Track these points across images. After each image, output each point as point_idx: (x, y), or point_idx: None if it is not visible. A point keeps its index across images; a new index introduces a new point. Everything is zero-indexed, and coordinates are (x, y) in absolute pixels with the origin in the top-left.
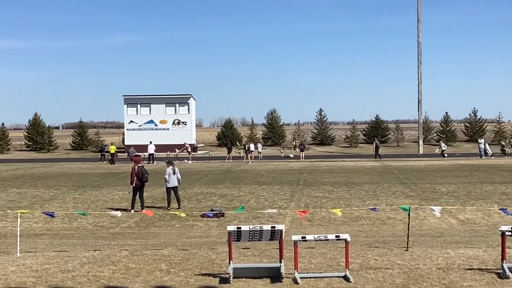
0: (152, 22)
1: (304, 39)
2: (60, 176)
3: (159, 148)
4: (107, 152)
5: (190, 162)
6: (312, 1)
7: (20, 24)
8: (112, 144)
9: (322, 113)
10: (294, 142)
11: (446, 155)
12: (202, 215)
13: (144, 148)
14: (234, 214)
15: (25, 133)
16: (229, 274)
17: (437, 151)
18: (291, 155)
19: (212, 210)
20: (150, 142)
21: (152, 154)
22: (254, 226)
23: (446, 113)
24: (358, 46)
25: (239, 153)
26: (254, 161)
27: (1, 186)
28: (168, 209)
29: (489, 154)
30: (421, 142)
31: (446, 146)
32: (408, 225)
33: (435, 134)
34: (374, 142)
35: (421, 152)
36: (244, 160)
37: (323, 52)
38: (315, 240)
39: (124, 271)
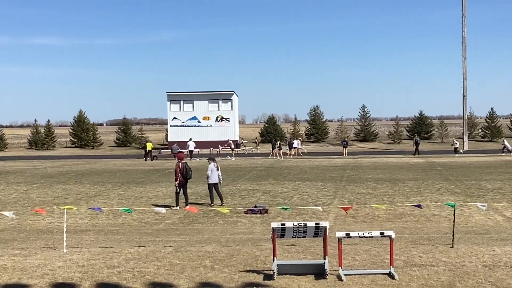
0: (195, 19)
1: (347, 35)
2: (105, 173)
3: (203, 144)
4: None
5: (233, 158)
6: None
7: (65, 22)
8: (147, 141)
9: (365, 109)
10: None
11: (461, 151)
12: (245, 212)
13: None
14: (278, 210)
15: (70, 130)
16: (273, 270)
17: (456, 146)
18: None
19: (255, 207)
20: (190, 139)
21: (192, 151)
22: (298, 222)
23: (492, 108)
24: (402, 42)
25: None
26: (295, 157)
27: (47, 182)
28: (212, 206)
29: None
30: (465, 138)
31: (458, 143)
32: (454, 222)
33: (480, 130)
34: (414, 139)
35: (465, 148)
36: (278, 157)
37: (366, 48)
38: (359, 236)
39: (169, 267)
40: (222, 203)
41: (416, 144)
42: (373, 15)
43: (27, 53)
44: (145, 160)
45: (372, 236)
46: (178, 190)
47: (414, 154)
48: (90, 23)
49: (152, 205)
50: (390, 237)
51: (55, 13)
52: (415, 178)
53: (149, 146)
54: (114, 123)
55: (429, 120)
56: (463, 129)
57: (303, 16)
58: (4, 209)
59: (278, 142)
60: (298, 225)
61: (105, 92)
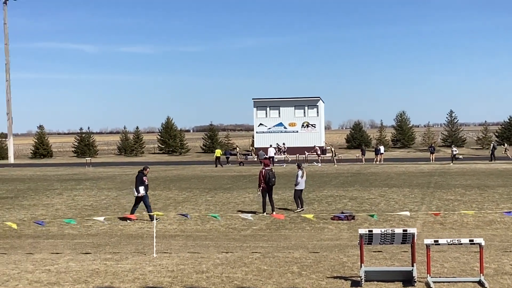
0: (280, 26)
1: (433, 39)
2: (192, 179)
3: (289, 151)
4: (235, 154)
5: (320, 164)
6: (442, 1)
7: (152, 31)
8: (217, 148)
9: (453, 115)
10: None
11: (461, 156)
12: (332, 218)
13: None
14: (365, 217)
15: (158, 137)
16: (360, 277)
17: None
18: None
19: (342, 213)
20: (270, 145)
21: (272, 157)
22: (385, 229)
23: None
24: (490, 45)
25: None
26: (381, 163)
27: None
28: (302, 210)
29: None
30: None
31: (457, 150)
32: None
33: None
34: (492, 143)
35: None
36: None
37: (453, 53)
38: (448, 244)
39: (257, 273)
40: (303, 209)
41: (494, 148)
42: (459, 19)
43: (116, 61)
44: (216, 166)
45: (461, 243)
46: (263, 196)
47: (490, 160)
48: (177, 31)
49: (239, 211)
50: (479, 244)
51: (143, 22)
52: (505, 185)
53: (217, 153)
54: (201, 130)
55: None
56: None
57: (389, 21)
58: (96, 215)
59: (331, 148)
60: (385, 232)
61: (192, 99)
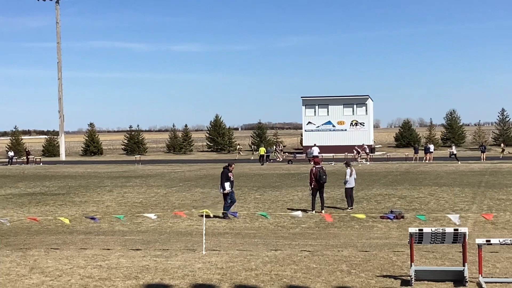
0: (329, 24)
1: (484, 37)
2: (241, 177)
3: (337, 149)
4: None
5: (368, 163)
6: None
7: (201, 29)
8: (261, 146)
9: (505, 113)
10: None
11: (455, 152)
12: (381, 217)
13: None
14: (414, 216)
15: (207, 135)
16: (410, 276)
17: (453, 151)
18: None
19: (391, 212)
20: (314, 145)
21: (316, 156)
22: (436, 228)
23: None
24: None
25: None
26: (430, 162)
27: (185, 186)
28: (351, 208)
29: None
30: None
31: (455, 149)
32: None
33: None
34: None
35: None
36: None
37: (506, 50)
38: (500, 244)
39: (306, 271)
40: (352, 207)
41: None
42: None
43: (166, 60)
44: (262, 164)
45: None
46: (313, 194)
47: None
48: (226, 29)
49: (288, 209)
50: None
51: (193, 21)
52: None
53: (262, 151)
54: (249, 128)
55: None
56: None
57: (439, 19)
58: (146, 211)
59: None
60: (436, 231)
61: (240, 97)
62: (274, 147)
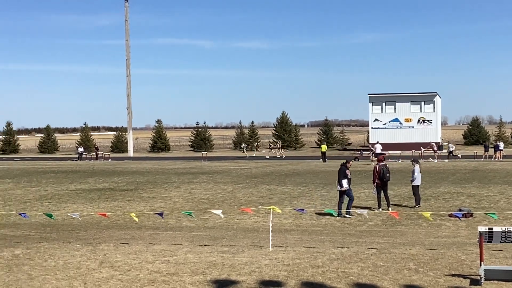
0: (396, 21)
1: None
2: (307, 174)
3: (404, 146)
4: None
5: (436, 161)
6: None
7: (268, 26)
8: (322, 143)
9: None
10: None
11: (456, 154)
12: (450, 215)
13: (386, 146)
14: (483, 214)
15: (273, 131)
16: (480, 275)
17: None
18: (267, 156)
19: (460, 210)
20: (377, 142)
21: (381, 153)
22: (507, 227)
23: None
24: None
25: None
26: (500, 160)
27: (252, 182)
28: (418, 207)
29: None
30: None
31: (454, 146)
32: None
33: None
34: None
35: None
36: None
37: None
38: None
39: (373, 269)
40: (419, 205)
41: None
42: None
43: (232, 57)
44: (324, 161)
45: None
46: (378, 192)
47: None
48: (293, 26)
49: (353, 206)
50: None
51: (260, 18)
52: None
53: (323, 148)
54: (316, 125)
55: None
56: None
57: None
58: (213, 208)
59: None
60: (507, 230)
61: (307, 94)
62: (270, 145)
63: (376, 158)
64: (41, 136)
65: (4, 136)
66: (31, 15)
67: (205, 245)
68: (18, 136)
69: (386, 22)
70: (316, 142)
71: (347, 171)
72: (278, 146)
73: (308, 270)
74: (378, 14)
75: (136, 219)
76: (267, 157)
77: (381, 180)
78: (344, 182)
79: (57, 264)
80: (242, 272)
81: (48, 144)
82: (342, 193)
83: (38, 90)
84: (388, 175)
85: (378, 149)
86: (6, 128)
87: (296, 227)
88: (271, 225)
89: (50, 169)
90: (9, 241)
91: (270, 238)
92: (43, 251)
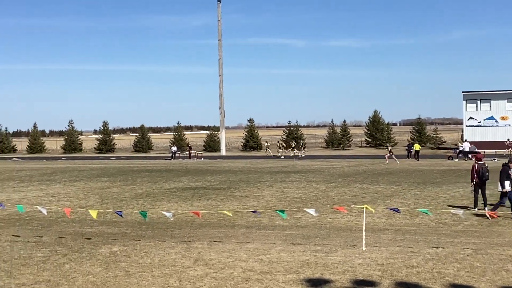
0: (489, 17)
1: None
2: (401, 173)
3: (500, 145)
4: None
5: None
6: None
7: (360, 24)
8: (415, 142)
9: None
10: (290, 143)
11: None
12: None
13: (481, 145)
14: None
15: (365, 130)
16: None
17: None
18: (282, 156)
19: None
20: (465, 140)
21: (466, 152)
22: None
23: None
24: None
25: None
26: None
27: (344, 181)
28: None
29: None
30: None
31: (463, 145)
32: None
33: None
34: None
35: None
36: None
37: None
38: None
39: (469, 270)
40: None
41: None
42: None
43: (324, 55)
44: (417, 160)
45: None
46: (475, 191)
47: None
48: (384, 24)
49: (449, 206)
50: None
51: (351, 16)
52: None
53: (416, 147)
54: (408, 123)
55: None
56: None
57: None
58: (305, 207)
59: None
60: None
61: (400, 92)
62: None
63: (473, 157)
64: (136, 136)
65: (100, 136)
66: (129, 17)
67: (298, 244)
68: (113, 136)
69: (480, 18)
70: (408, 141)
71: (510, 172)
72: (293, 146)
73: (402, 270)
74: (472, 10)
75: (230, 214)
76: (282, 157)
77: (480, 179)
78: (507, 183)
79: (153, 262)
80: (335, 272)
81: (142, 143)
82: (503, 195)
83: (132, 90)
84: (487, 174)
85: (466, 147)
86: (102, 128)
87: (389, 226)
88: (364, 224)
89: (145, 168)
90: (107, 238)
91: (364, 237)
92: (139, 249)
